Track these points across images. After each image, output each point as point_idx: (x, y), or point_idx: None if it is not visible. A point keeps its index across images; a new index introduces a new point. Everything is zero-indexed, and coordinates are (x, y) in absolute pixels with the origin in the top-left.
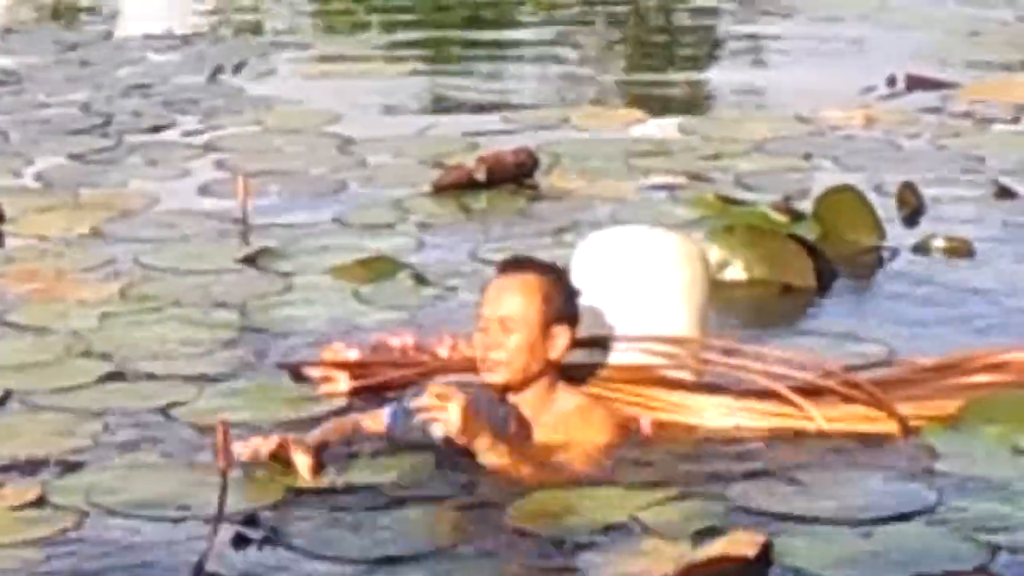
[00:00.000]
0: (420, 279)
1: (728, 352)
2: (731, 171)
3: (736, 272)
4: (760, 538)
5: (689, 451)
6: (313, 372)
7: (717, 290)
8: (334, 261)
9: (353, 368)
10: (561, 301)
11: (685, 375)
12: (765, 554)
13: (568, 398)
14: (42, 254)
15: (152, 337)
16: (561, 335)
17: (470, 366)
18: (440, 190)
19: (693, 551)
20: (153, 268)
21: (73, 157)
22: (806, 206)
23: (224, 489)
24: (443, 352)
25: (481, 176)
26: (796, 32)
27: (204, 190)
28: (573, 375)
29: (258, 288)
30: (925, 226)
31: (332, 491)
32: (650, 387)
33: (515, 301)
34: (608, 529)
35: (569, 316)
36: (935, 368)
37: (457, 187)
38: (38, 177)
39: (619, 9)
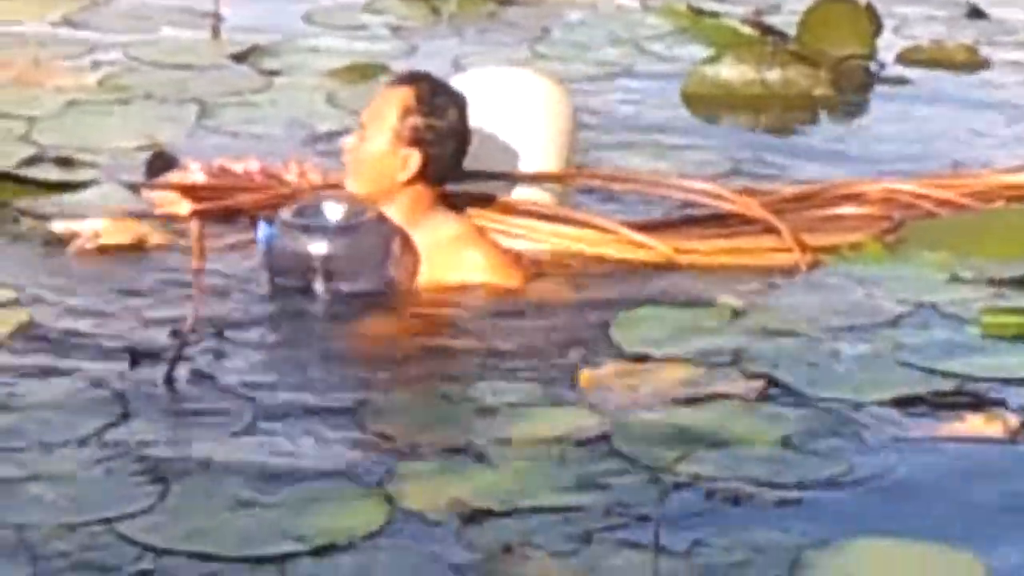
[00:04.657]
0: None
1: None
2: None
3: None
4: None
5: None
6: (155, 193)
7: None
8: (324, 63)
9: (199, 191)
10: (421, 123)
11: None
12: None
13: (447, 224)
14: (19, 42)
15: (98, 127)
16: (411, 159)
17: (316, 190)
18: None
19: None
20: (137, 60)
21: None
22: (777, 20)
23: (199, 288)
24: (291, 178)
25: None
26: None
27: None
28: (451, 202)
29: (235, 86)
30: (895, 45)
31: None
32: (522, 217)
33: (375, 107)
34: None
35: (424, 142)
36: (794, 198)
37: None
38: None
39: None
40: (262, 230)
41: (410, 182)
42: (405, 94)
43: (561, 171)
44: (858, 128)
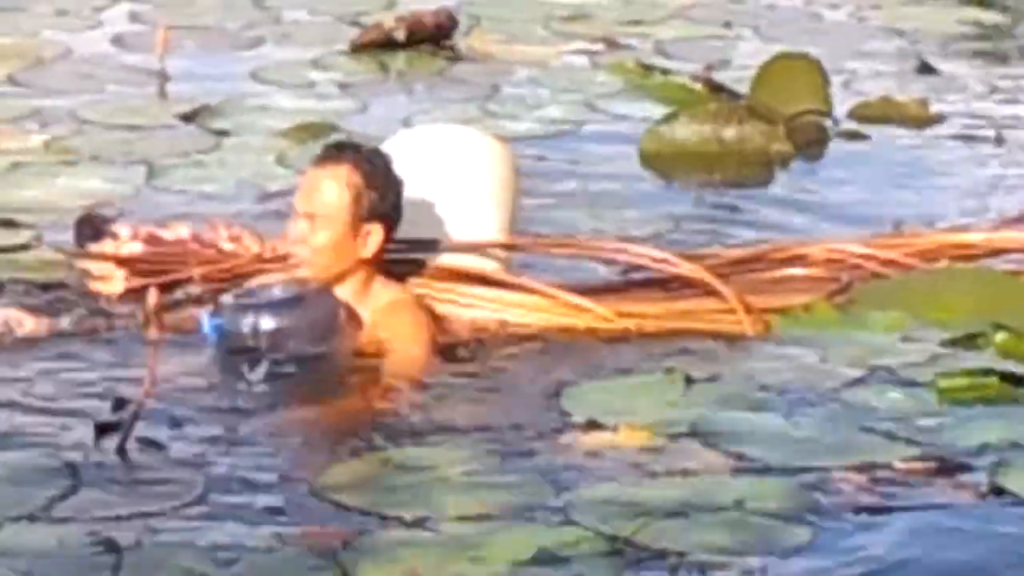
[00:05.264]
0: None
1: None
2: (651, 38)
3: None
4: None
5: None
6: (90, 265)
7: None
8: (273, 122)
9: (135, 264)
10: (376, 197)
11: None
12: None
13: (384, 293)
14: None
15: (44, 189)
16: (373, 233)
17: (260, 261)
18: (357, 49)
19: None
20: (84, 120)
21: None
22: (727, 76)
23: (154, 358)
24: (226, 246)
25: (400, 36)
26: None
27: (118, 41)
28: (393, 270)
29: (183, 146)
30: (845, 101)
31: None
32: (466, 284)
33: (323, 197)
34: None
35: (383, 214)
36: (739, 261)
37: (375, 46)
38: None
39: None
40: (206, 321)
41: (365, 259)
42: (347, 173)
43: (501, 239)
44: (811, 185)
